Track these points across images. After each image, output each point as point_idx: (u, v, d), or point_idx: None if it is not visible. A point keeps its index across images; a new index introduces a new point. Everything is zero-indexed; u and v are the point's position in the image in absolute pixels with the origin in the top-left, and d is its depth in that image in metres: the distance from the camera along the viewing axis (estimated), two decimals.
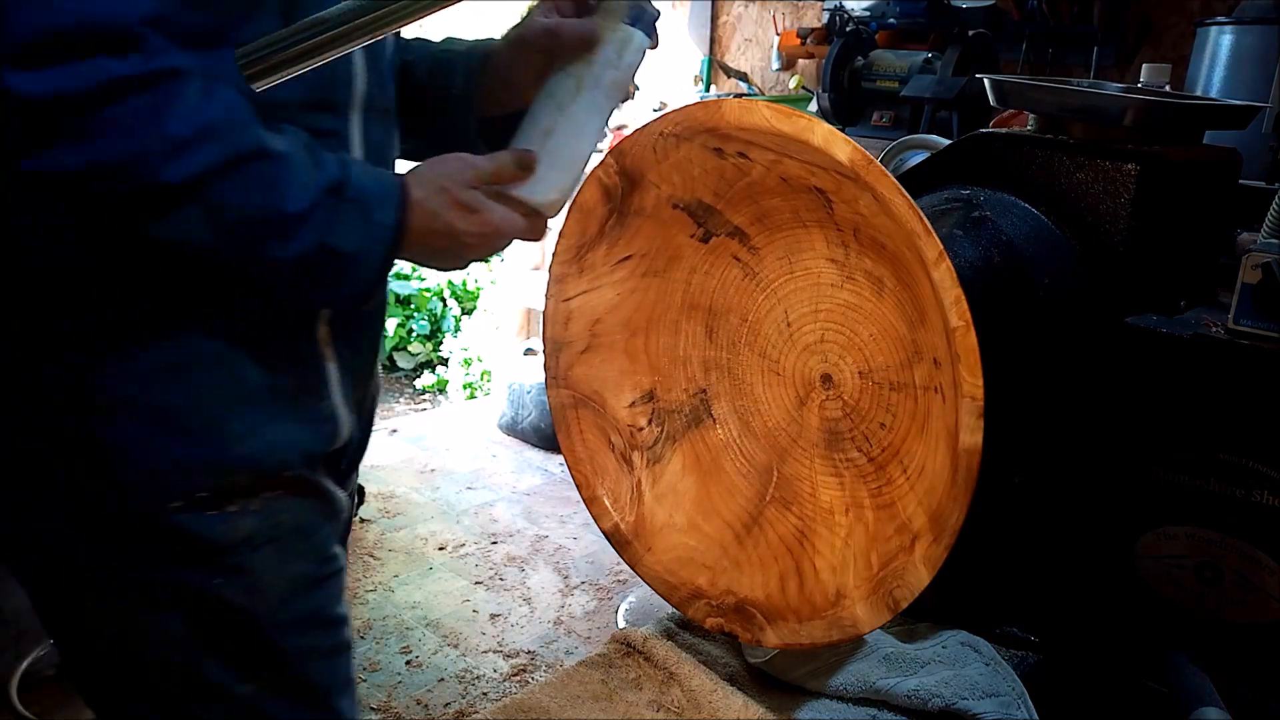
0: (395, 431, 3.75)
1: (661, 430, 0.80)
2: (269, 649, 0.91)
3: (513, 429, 3.44)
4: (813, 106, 3.29)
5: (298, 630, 0.94)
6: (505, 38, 0.91)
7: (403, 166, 0.85)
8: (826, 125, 0.61)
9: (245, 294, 0.82)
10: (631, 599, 2.52)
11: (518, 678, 2.26)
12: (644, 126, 0.70)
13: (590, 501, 0.79)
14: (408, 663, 2.36)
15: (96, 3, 0.67)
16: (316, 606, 0.96)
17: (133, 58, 0.69)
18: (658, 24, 0.82)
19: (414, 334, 4.03)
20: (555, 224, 0.78)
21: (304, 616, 0.94)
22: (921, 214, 0.58)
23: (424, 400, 4.03)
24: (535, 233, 0.78)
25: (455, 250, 0.79)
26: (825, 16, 3.57)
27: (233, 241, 0.76)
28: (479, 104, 0.94)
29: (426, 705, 2.21)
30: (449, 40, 0.97)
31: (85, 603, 0.88)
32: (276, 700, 0.92)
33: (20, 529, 0.85)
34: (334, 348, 0.89)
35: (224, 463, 0.85)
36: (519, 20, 0.91)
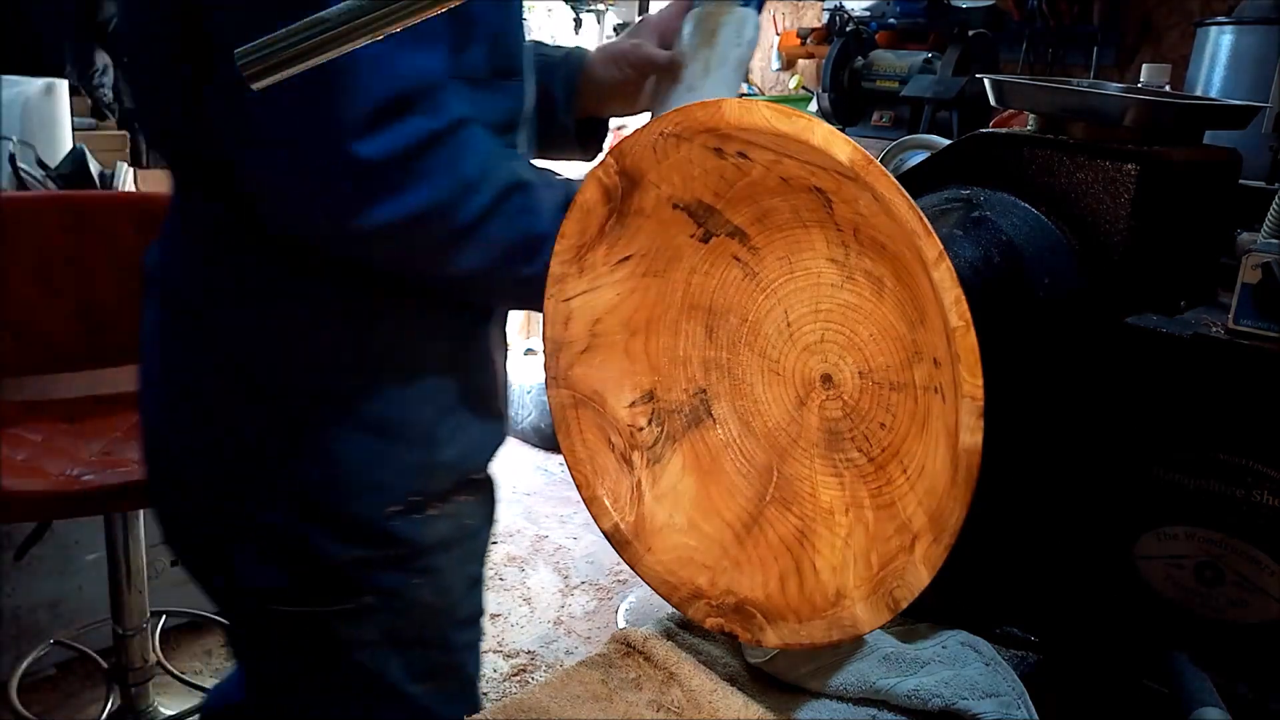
0: None
1: (661, 430, 0.80)
2: (444, 647, 0.98)
3: (512, 429, 3.44)
4: (813, 106, 3.29)
5: (466, 628, 1.03)
6: (599, 49, 1.01)
7: None
8: (826, 125, 0.61)
9: (471, 305, 0.90)
10: (631, 599, 2.52)
11: (518, 678, 2.26)
12: (644, 126, 0.70)
13: (590, 501, 0.79)
14: None
15: (410, 71, 0.75)
16: (478, 603, 1.03)
17: (438, 114, 0.77)
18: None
19: None
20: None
21: (472, 614, 1.02)
22: (921, 214, 0.58)
23: None
24: None
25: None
26: (825, 16, 3.58)
27: (494, 268, 0.83)
28: (576, 107, 1.00)
29: None
30: (541, 44, 1.05)
31: (281, 605, 0.90)
32: (439, 695, 1.00)
33: (243, 516, 0.89)
34: (501, 349, 0.95)
35: (434, 467, 0.92)
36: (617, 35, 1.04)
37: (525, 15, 0.91)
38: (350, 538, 0.88)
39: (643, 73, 0.94)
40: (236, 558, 0.89)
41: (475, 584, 1.00)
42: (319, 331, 0.88)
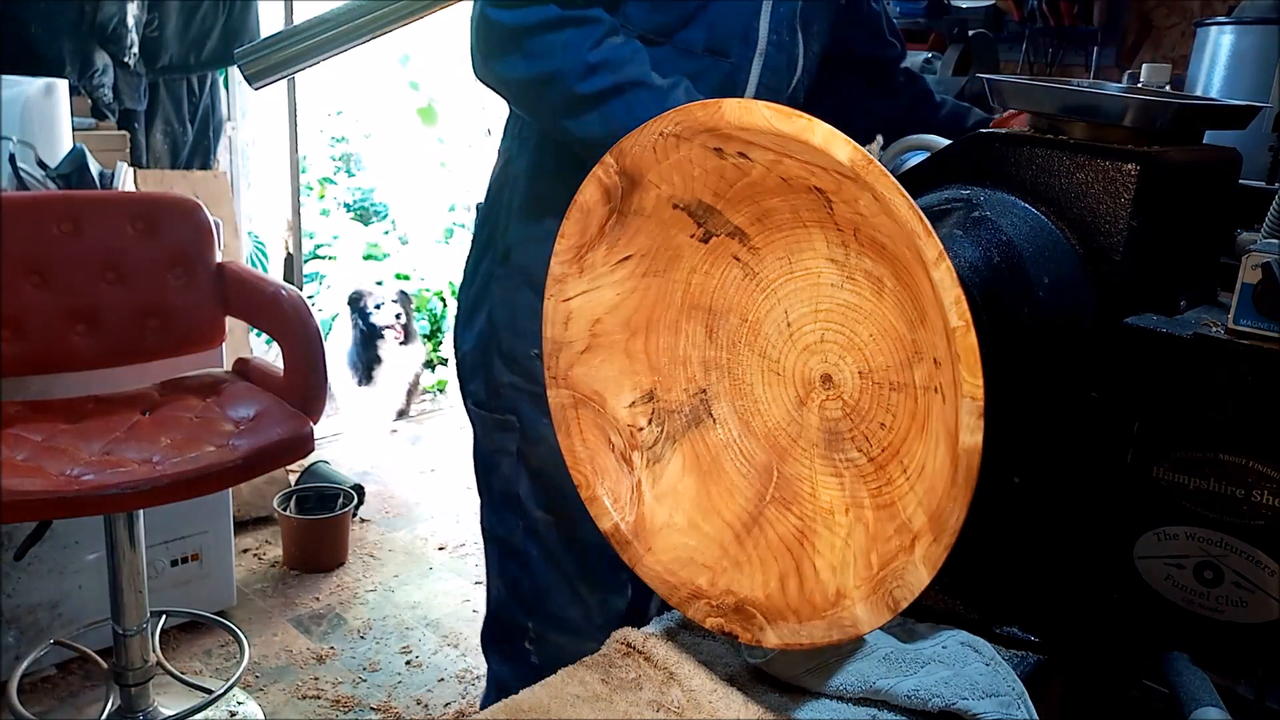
0: (395, 431, 3.74)
1: (661, 430, 0.80)
2: (561, 491, 1.20)
3: None
4: None
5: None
6: None
7: None
8: (826, 125, 0.61)
9: None
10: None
11: None
12: (644, 126, 0.70)
13: (590, 501, 0.79)
14: (408, 663, 2.36)
15: None
16: None
17: (571, 8, 1.02)
18: None
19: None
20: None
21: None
22: (921, 214, 0.58)
23: (424, 400, 4.02)
24: None
25: None
26: None
27: (608, 144, 0.99)
28: None
29: (426, 705, 2.21)
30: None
31: (475, 407, 1.30)
32: (554, 531, 1.24)
33: (464, 347, 1.30)
34: None
35: None
36: None
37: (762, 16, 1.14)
38: (509, 367, 1.21)
39: None
40: (463, 373, 1.30)
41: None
42: (514, 188, 1.21)
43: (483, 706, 1.34)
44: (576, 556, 1.24)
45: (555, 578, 1.24)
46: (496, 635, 1.33)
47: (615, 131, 0.97)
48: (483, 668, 2.27)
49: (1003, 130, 0.91)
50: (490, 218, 1.25)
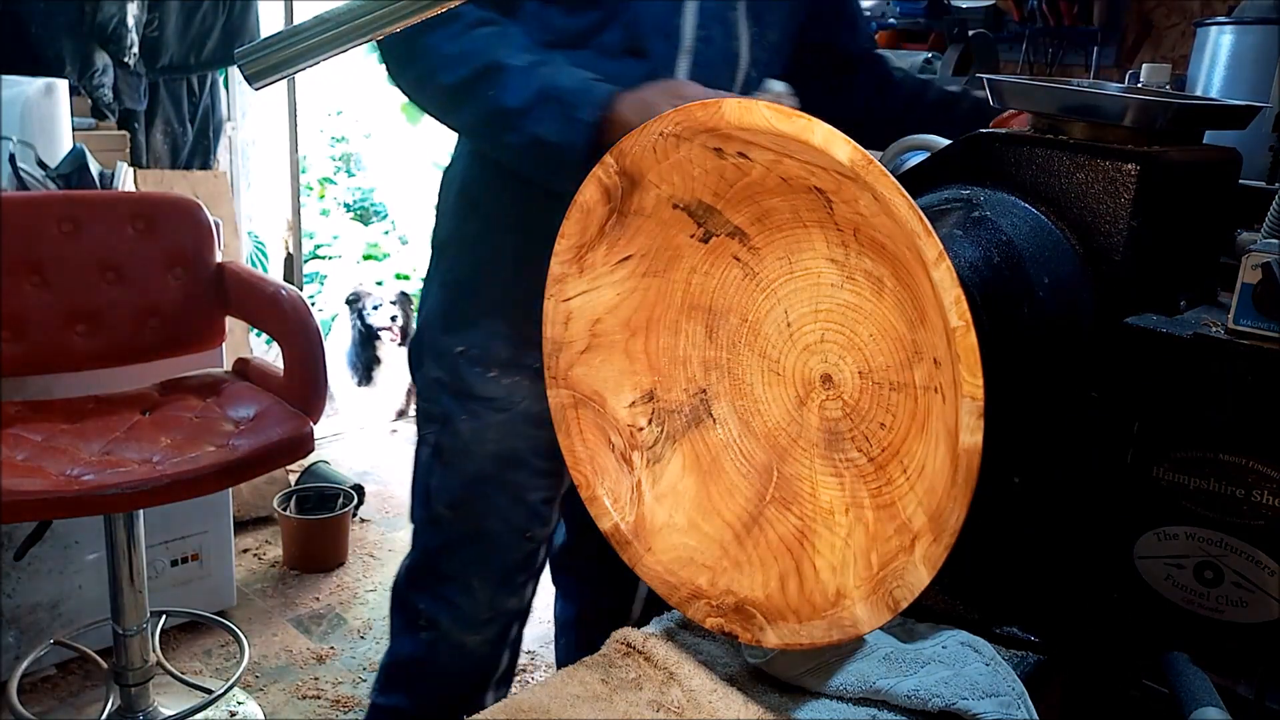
0: (395, 431, 3.74)
1: (661, 430, 0.80)
2: (464, 489, 1.25)
3: None
4: None
5: (490, 489, 1.25)
6: (631, 96, 1.07)
7: None
8: (826, 125, 0.61)
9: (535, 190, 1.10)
10: None
11: (518, 678, 2.26)
12: (644, 126, 0.70)
13: (590, 501, 0.79)
14: None
15: None
16: (507, 480, 1.27)
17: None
18: None
19: None
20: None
21: (496, 477, 1.25)
22: (921, 214, 0.58)
23: None
24: None
25: None
26: None
27: (485, 131, 1.08)
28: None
29: None
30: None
31: (418, 398, 1.35)
32: (457, 526, 1.27)
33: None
34: None
35: (492, 332, 1.23)
36: None
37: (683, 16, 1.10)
38: (436, 362, 1.24)
39: None
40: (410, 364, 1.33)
41: (508, 463, 1.22)
42: (449, 190, 1.24)
43: (379, 672, 1.36)
44: (476, 553, 1.27)
45: (451, 569, 1.27)
46: (395, 608, 1.36)
47: (489, 117, 1.02)
48: None
49: (1003, 130, 0.91)
50: (435, 218, 1.29)
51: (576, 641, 1.63)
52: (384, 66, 1.11)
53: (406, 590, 1.33)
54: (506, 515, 1.25)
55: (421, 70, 1.07)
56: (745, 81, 1.17)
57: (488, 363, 1.21)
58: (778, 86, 0.93)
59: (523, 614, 1.33)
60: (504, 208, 1.19)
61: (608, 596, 1.44)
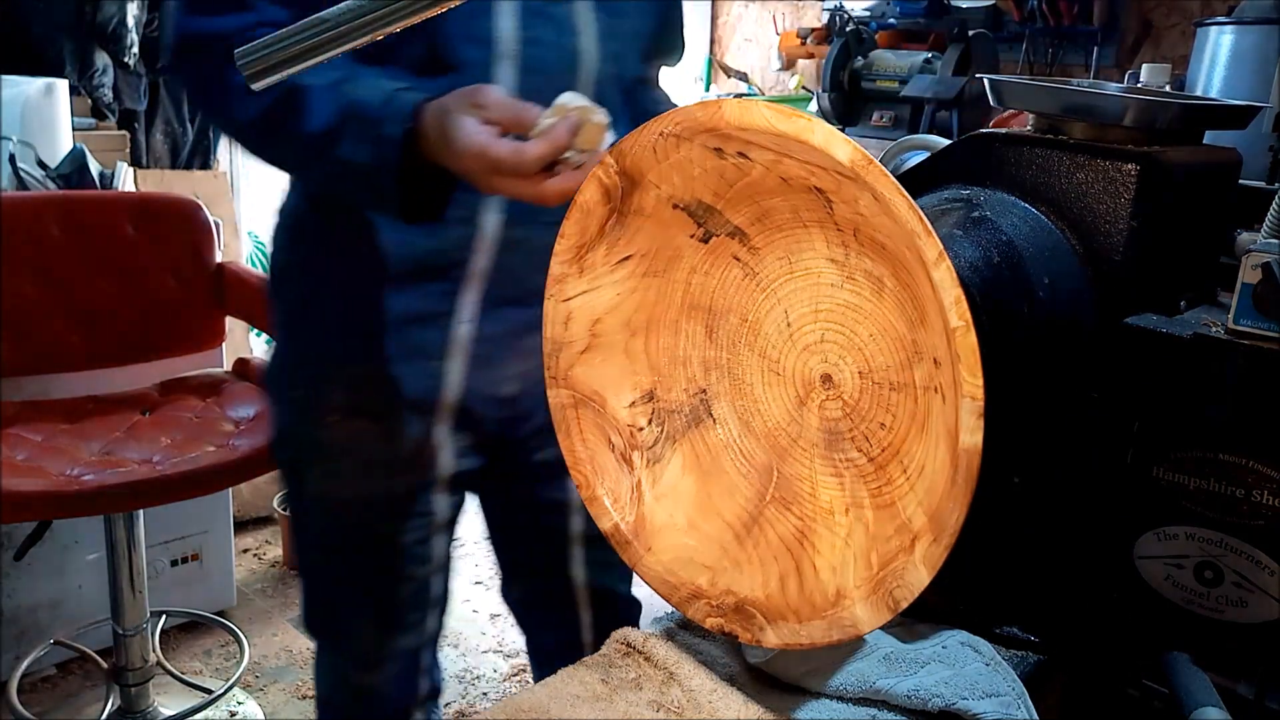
0: None
1: (661, 430, 0.80)
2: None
3: None
4: (813, 106, 3.29)
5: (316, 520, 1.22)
6: (437, 105, 0.92)
7: None
8: (826, 125, 0.61)
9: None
10: None
11: (518, 678, 2.26)
12: (644, 126, 0.70)
13: (590, 501, 0.79)
14: None
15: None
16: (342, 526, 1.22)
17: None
18: None
19: None
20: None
21: (329, 512, 1.19)
22: (921, 214, 0.58)
23: None
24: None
25: (486, 170, 0.83)
26: (825, 16, 3.58)
27: (294, 163, 1.00)
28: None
29: None
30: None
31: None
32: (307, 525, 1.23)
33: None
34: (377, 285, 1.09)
35: (291, 358, 1.17)
36: None
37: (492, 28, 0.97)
38: (282, 408, 1.17)
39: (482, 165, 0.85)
40: None
41: (366, 510, 1.13)
42: (282, 220, 1.13)
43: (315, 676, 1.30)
44: (354, 600, 1.20)
45: (334, 616, 1.22)
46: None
47: (295, 148, 0.94)
48: (483, 668, 2.27)
49: (1003, 130, 0.91)
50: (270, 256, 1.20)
51: (535, 675, 1.53)
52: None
53: (308, 633, 1.27)
54: (378, 561, 1.15)
55: (219, 105, 0.96)
56: (600, 80, 1.02)
57: (325, 408, 1.10)
58: (576, 101, 0.82)
59: (432, 641, 1.25)
60: (331, 240, 1.07)
61: (551, 632, 1.34)
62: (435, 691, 1.28)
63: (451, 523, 1.18)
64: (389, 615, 1.17)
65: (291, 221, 1.11)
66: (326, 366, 1.09)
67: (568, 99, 0.83)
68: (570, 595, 1.25)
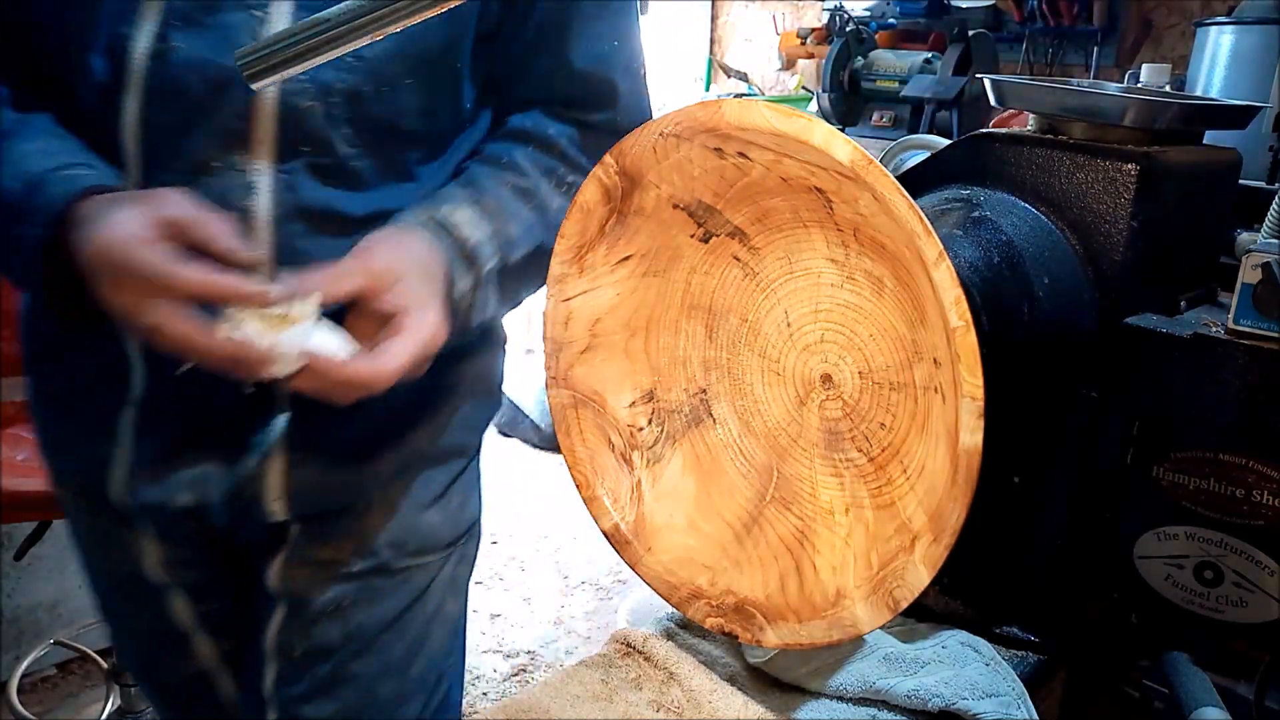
0: None
1: (661, 430, 0.80)
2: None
3: (512, 429, 3.44)
4: (813, 106, 3.29)
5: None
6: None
7: None
8: (826, 125, 0.61)
9: None
10: (631, 599, 2.52)
11: (518, 678, 2.26)
12: (644, 126, 0.70)
13: (590, 501, 0.79)
14: None
15: None
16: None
17: None
18: None
19: None
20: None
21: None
22: (921, 214, 0.58)
23: None
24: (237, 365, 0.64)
25: (144, 315, 0.64)
26: (825, 16, 3.58)
27: None
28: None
29: None
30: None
31: None
32: None
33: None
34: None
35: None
36: None
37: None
38: None
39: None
40: None
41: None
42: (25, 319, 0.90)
43: None
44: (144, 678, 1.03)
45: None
46: None
47: None
48: (483, 668, 2.27)
49: (1003, 130, 0.91)
50: None
51: None
52: None
53: None
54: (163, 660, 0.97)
55: None
56: (302, 132, 0.72)
57: (62, 503, 0.93)
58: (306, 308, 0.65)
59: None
60: (42, 322, 0.86)
61: None
62: None
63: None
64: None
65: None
66: (48, 459, 0.91)
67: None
68: None
